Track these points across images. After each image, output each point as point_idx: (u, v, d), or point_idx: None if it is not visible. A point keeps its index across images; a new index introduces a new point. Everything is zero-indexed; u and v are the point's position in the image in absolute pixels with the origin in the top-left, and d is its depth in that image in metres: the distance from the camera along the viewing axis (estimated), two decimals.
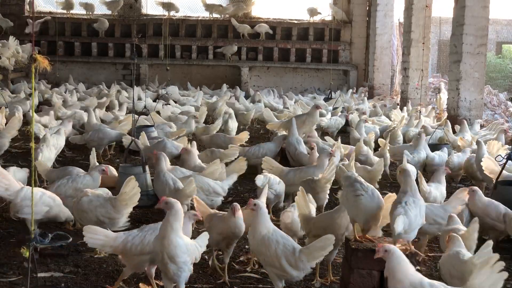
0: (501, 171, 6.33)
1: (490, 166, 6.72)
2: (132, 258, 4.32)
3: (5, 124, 9.29)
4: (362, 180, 4.56)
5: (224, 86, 17.69)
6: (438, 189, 6.09)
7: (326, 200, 6.03)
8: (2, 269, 4.71)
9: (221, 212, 5.07)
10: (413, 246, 4.28)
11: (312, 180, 6.00)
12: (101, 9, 20.38)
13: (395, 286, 3.50)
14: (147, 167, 6.55)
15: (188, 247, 4.01)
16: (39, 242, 3.11)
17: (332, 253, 4.64)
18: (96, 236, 4.31)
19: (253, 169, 8.58)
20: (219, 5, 20.19)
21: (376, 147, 9.07)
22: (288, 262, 4.08)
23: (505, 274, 3.47)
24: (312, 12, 20.19)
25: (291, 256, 4.08)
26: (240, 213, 4.67)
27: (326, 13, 20.84)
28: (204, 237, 4.35)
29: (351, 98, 15.77)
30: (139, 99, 14.15)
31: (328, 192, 6.04)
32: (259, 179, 5.96)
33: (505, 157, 6.37)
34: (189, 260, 4.00)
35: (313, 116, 9.39)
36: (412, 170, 6.25)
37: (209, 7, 19.94)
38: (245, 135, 9.06)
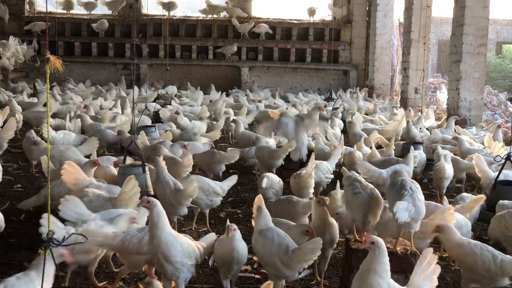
0: (500, 171, 6.34)
1: (480, 163, 6.75)
2: (129, 257, 4.32)
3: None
4: (362, 179, 4.60)
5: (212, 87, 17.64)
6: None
7: (311, 195, 6.12)
8: (2, 269, 4.71)
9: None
10: (414, 246, 4.29)
11: (298, 175, 6.21)
12: (101, 9, 20.37)
13: (371, 281, 3.42)
14: (147, 168, 6.54)
15: (183, 246, 3.99)
16: (55, 243, 3.05)
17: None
18: (95, 238, 4.30)
19: (252, 169, 8.61)
20: (219, 5, 20.20)
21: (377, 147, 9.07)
22: (281, 260, 4.09)
23: (439, 268, 3.52)
24: (311, 11, 20.18)
25: (284, 255, 4.09)
26: (235, 234, 4.22)
27: (326, 13, 20.87)
28: (208, 239, 4.35)
29: (351, 98, 15.77)
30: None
31: (312, 187, 6.20)
32: (264, 182, 6.11)
33: (504, 157, 6.39)
34: (187, 261, 3.98)
35: (311, 116, 9.23)
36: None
37: (211, 8, 19.93)
38: (216, 134, 9.02)
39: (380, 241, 3.51)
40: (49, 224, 3.29)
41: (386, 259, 3.48)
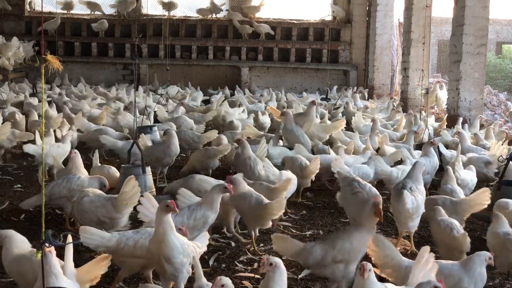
0: (503, 172, 6.34)
1: None
2: (124, 259, 4.27)
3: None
4: (360, 179, 4.60)
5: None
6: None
7: (309, 185, 6.74)
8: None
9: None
10: (413, 246, 4.29)
11: (302, 166, 6.66)
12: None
13: None
14: (147, 169, 6.54)
15: (184, 247, 3.99)
16: (51, 243, 3.04)
17: None
18: (92, 237, 4.28)
19: None
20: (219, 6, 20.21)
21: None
22: None
23: (436, 266, 3.53)
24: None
25: None
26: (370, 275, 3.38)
27: (326, 13, 20.88)
28: (204, 238, 4.34)
29: (352, 98, 15.76)
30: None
31: (310, 179, 6.73)
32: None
33: (507, 157, 6.40)
34: (186, 261, 3.98)
35: (309, 113, 9.14)
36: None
37: (213, 7, 19.92)
38: (213, 133, 9.00)
39: (278, 261, 3.44)
40: (43, 224, 3.27)
41: (283, 282, 3.42)
